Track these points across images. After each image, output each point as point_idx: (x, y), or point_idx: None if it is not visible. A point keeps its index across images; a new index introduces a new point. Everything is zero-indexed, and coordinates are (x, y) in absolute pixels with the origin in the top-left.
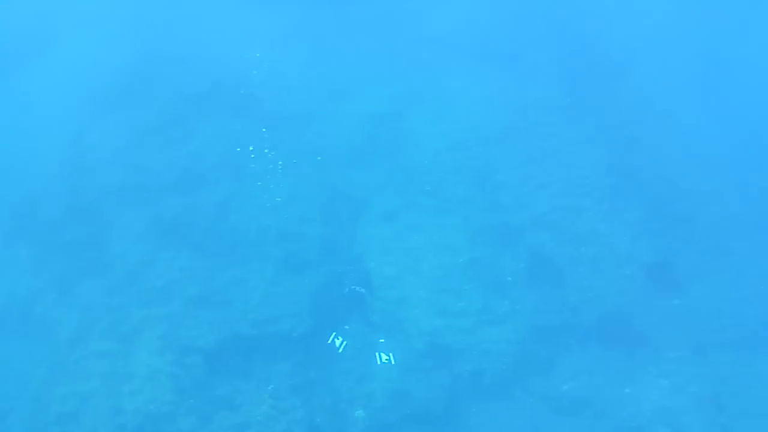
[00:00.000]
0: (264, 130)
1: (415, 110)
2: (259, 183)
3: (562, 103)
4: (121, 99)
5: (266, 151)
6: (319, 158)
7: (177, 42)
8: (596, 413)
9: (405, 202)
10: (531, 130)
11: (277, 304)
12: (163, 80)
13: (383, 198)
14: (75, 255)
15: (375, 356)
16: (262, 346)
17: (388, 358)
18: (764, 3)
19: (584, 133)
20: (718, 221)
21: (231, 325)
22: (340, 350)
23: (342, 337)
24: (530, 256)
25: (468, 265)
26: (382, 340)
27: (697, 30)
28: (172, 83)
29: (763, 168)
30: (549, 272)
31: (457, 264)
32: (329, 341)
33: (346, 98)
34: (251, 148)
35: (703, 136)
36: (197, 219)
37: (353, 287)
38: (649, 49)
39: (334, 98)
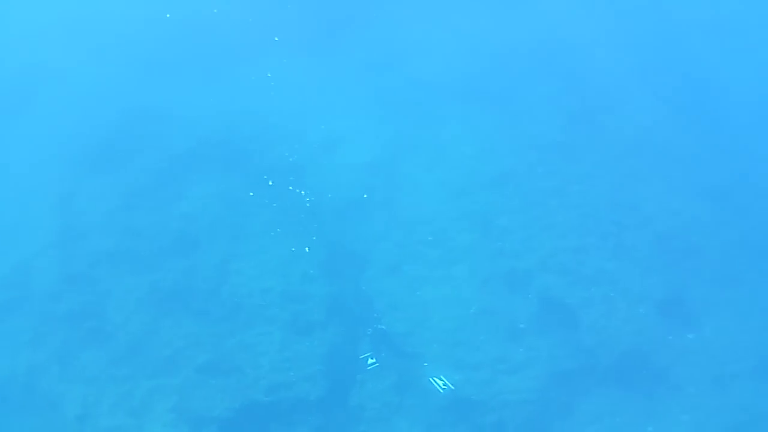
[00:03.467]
0: (270, 182)
1: (410, 157)
2: (257, 242)
3: (558, 140)
4: (107, 159)
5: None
6: (314, 212)
7: (160, 98)
8: None
9: (408, 253)
10: (530, 170)
11: (289, 368)
12: (148, 138)
13: (385, 250)
14: (74, 326)
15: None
16: (279, 413)
17: (445, 384)
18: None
19: (583, 169)
20: (726, 250)
21: (244, 392)
22: (369, 368)
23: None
24: (541, 300)
25: (479, 315)
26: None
27: (688, 58)
28: (158, 141)
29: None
30: (561, 316)
31: (468, 315)
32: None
33: (338, 148)
34: (252, 194)
35: (703, 165)
36: (197, 283)
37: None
38: (642, 80)
39: (326, 149)
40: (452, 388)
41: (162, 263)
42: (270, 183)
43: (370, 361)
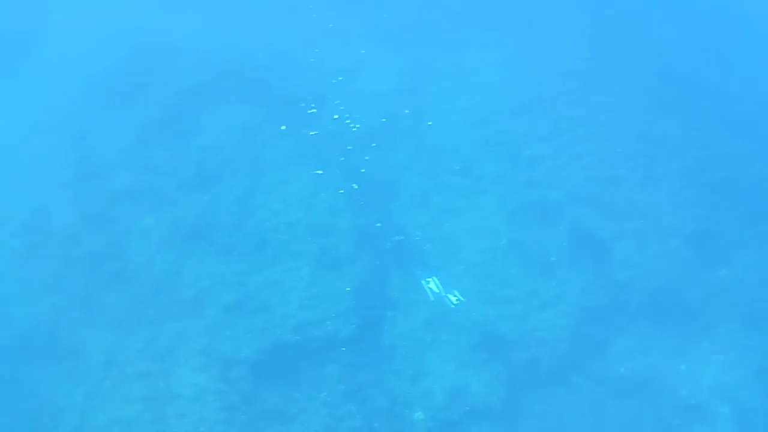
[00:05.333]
0: (283, 127)
1: (433, 84)
2: (280, 174)
3: (585, 69)
4: (121, 94)
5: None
6: (337, 142)
7: (173, 31)
8: (655, 393)
9: (435, 183)
10: (555, 99)
11: (318, 305)
12: (162, 71)
13: (412, 180)
14: (95, 268)
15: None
16: (309, 352)
17: (457, 297)
18: None
19: (610, 99)
20: (756, 184)
21: (273, 331)
22: (437, 295)
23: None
24: (572, 232)
25: (510, 247)
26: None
27: None
28: (172, 74)
29: None
30: (593, 249)
31: (498, 247)
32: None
33: (359, 76)
34: (283, 128)
35: (731, 98)
36: (220, 218)
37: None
38: (669, 9)
39: (347, 76)
40: (462, 300)
41: (182, 199)
42: (289, 113)
43: (453, 298)
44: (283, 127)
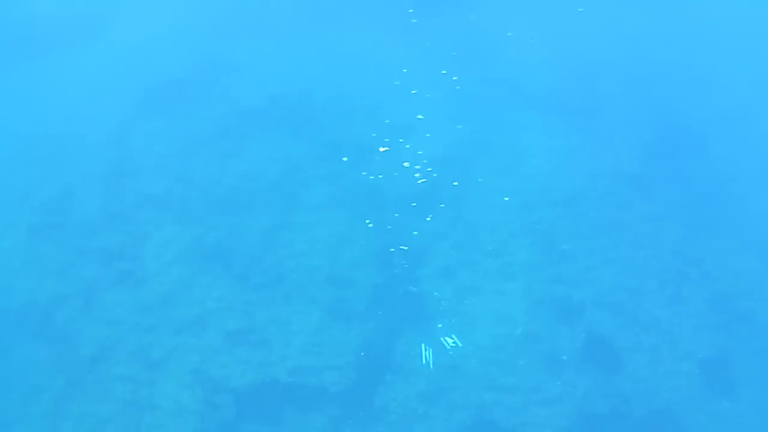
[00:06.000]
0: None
1: (483, 159)
2: (312, 215)
3: (636, 173)
4: (171, 102)
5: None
6: (376, 197)
7: (237, 50)
8: None
9: (465, 259)
10: (602, 199)
11: (319, 353)
12: (218, 88)
13: (442, 251)
14: (106, 264)
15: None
16: (298, 396)
17: (454, 342)
18: None
19: (656, 209)
20: None
21: (267, 368)
22: (427, 363)
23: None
24: (588, 335)
25: (524, 338)
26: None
27: None
28: (227, 93)
29: None
30: (605, 356)
31: (513, 336)
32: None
33: (411, 135)
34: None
35: None
36: (241, 246)
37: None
38: (731, 127)
39: (398, 133)
40: (460, 345)
41: (209, 218)
42: (334, 158)
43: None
44: (345, 159)
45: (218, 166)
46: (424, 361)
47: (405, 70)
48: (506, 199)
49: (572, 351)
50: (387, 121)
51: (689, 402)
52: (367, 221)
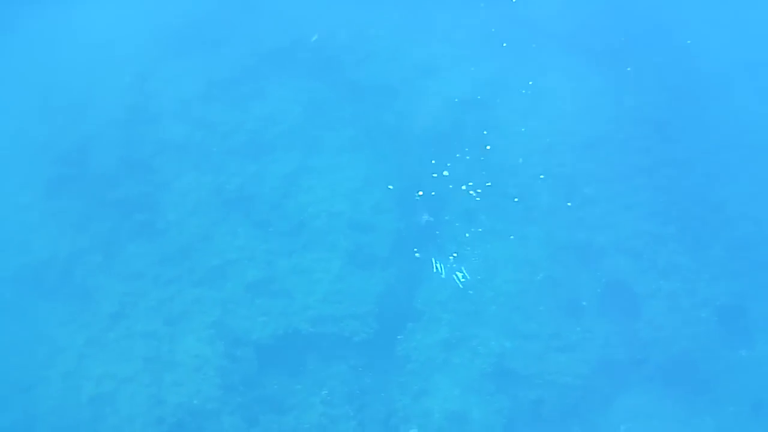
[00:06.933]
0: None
1: (506, 100)
2: (334, 159)
3: (660, 118)
4: (191, 44)
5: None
6: (398, 140)
7: None
8: None
9: (488, 203)
10: (624, 143)
11: (340, 301)
12: (240, 29)
13: (465, 194)
14: (125, 215)
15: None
16: (320, 346)
17: (463, 275)
18: None
19: (678, 154)
20: None
21: (289, 318)
22: (443, 275)
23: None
24: (608, 280)
25: (544, 283)
26: None
27: None
28: (249, 34)
29: None
30: (625, 302)
31: (533, 281)
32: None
33: (434, 76)
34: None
35: None
36: (262, 192)
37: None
38: (755, 74)
39: (421, 75)
40: (469, 278)
41: (229, 164)
42: (358, 99)
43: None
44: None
45: (239, 110)
46: (435, 270)
47: (426, 10)
48: (528, 141)
49: (592, 297)
50: (409, 62)
51: (707, 349)
52: (392, 166)
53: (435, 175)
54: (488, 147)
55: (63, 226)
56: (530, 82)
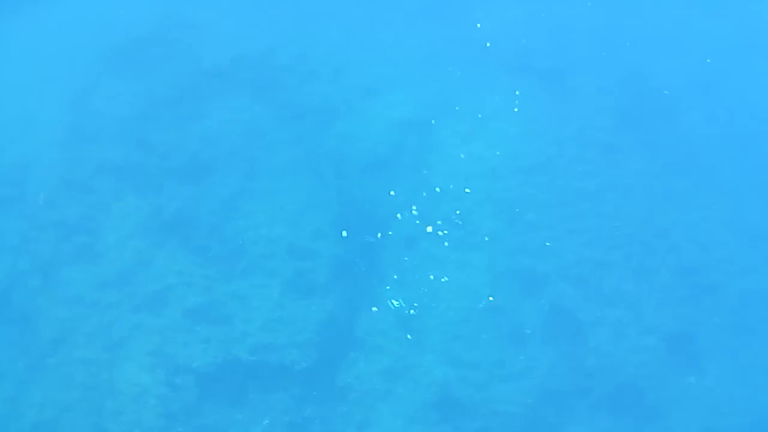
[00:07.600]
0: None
1: (448, 122)
2: (273, 183)
3: (604, 141)
4: (132, 62)
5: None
6: (338, 163)
7: (200, 7)
8: None
9: (429, 228)
10: (568, 167)
11: (280, 330)
12: (180, 48)
13: (405, 220)
14: (64, 237)
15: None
16: (260, 375)
17: (399, 303)
18: None
19: (623, 178)
20: (746, 297)
21: (229, 346)
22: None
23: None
24: (552, 308)
25: (487, 311)
26: None
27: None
28: (189, 53)
29: None
30: (569, 329)
31: (476, 309)
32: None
33: (375, 97)
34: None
35: (746, 204)
36: (201, 215)
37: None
38: (702, 97)
39: (363, 96)
40: (404, 305)
41: (168, 186)
42: (296, 121)
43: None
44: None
45: (178, 130)
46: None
47: (370, 30)
48: (470, 165)
49: (536, 325)
50: (351, 83)
51: (654, 377)
52: (332, 190)
53: (375, 198)
54: (427, 171)
55: (2, 248)
56: (473, 104)
